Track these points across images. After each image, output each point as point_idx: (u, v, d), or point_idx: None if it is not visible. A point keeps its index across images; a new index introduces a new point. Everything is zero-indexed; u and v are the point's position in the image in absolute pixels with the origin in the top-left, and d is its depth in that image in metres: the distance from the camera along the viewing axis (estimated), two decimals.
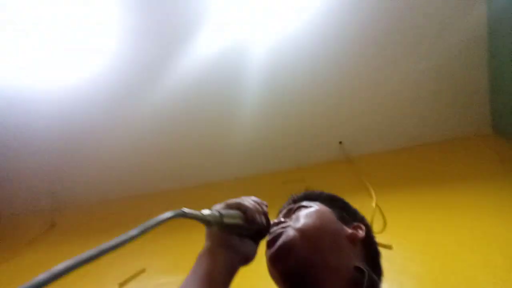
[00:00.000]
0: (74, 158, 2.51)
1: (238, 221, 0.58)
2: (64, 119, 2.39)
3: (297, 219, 0.71)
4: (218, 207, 0.60)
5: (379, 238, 1.51)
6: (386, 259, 1.35)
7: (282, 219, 0.74)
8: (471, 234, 1.42)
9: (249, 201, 0.63)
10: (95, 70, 2.25)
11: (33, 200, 2.57)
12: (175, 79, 2.25)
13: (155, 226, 0.41)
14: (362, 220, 0.81)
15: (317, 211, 0.73)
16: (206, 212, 0.54)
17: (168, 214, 0.44)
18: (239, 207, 0.60)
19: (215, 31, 2.12)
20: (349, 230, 0.73)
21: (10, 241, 2.23)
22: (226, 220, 0.56)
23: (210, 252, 0.58)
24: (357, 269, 0.66)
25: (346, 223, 0.75)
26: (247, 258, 0.63)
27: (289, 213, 0.77)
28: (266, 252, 0.71)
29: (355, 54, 2.13)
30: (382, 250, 1.43)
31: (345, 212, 0.78)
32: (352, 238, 0.71)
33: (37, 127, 2.41)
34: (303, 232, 0.67)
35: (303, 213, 0.73)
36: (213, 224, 0.55)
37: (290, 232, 0.67)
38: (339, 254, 0.68)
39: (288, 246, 0.65)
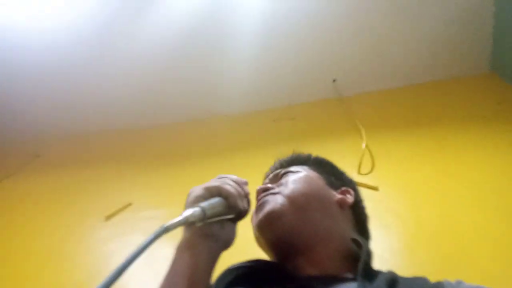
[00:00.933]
0: (60, 90, 2.42)
1: (219, 209, 0.55)
2: (51, 52, 2.27)
3: (285, 185, 0.68)
4: (197, 192, 0.56)
5: (366, 179, 1.52)
6: (372, 200, 1.36)
7: (269, 185, 0.71)
8: (459, 178, 1.41)
9: (229, 183, 0.58)
10: (81, 9, 2.10)
11: (17, 131, 2.51)
12: (167, 16, 2.12)
13: (141, 252, 0.41)
14: (350, 183, 0.79)
15: (305, 177, 0.71)
16: (188, 213, 0.50)
17: (150, 237, 0.42)
18: (220, 193, 0.56)
19: None
20: (338, 195, 0.71)
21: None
22: (208, 214, 0.52)
23: (190, 245, 0.55)
24: (354, 241, 0.64)
25: (335, 188, 0.73)
26: (228, 243, 0.59)
27: (275, 178, 0.75)
28: (252, 219, 0.69)
29: None
30: (368, 191, 1.44)
31: (333, 177, 0.76)
32: (341, 203, 0.70)
33: (24, 60, 2.28)
34: (291, 199, 0.65)
35: (291, 178, 0.70)
36: (197, 223, 0.51)
37: (278, 199, 0.65)
38: (329, 221, 0.66)
39: (276, 213, 0.63)
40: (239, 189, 0.59)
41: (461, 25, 2.03)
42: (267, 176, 0.81)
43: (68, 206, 1.79)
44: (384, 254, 1.13)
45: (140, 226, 1.55)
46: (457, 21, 2.02)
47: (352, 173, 1.52)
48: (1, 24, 2.17)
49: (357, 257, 0.59)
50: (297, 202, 0.64)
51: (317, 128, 2.00)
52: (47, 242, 1.57)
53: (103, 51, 2.27)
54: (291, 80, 2.28)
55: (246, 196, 0.61)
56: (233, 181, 0.60)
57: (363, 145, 1.69)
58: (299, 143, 1.86)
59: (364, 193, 1.48)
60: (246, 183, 0.63)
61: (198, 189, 0.56)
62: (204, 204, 0.53)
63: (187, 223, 0.49)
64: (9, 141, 2.52)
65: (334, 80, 2.24)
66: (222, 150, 1.98)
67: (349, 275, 0.57)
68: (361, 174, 1.55)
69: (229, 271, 0.59)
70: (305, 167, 0.75)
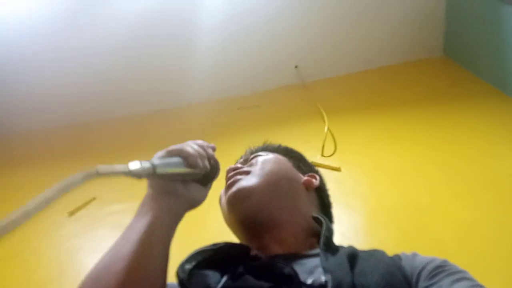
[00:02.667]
0: (14, 84, 2.28)
1: (178, 169, 0.54)
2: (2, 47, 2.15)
3: (255, 165, 0.71)
4: (159, 154, 0.56)
5: (329, 161, 1.56)
6: (335, 180, 1.40)
7: (239, 165, 0.73)
8: (416, 157, 1.49)
9: (192, 146, 0.58)
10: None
11: None
12: (129, 4, 2.06)
13: (63, 192, 0.36)
14: (316, 171, 0.83)
15: (274, 158, 0.74)
16: (134, 165, 0.46)
17: (78, 176, 0.38)
18: (180, 153, 0.56)
19: None
20: (305, 177, 0.75)
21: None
22: (160, 171, 0.51)
23: (151, 200, 0.55)
24: (315, 219, 0.67)
25: (302, 172, 0.77)
26: (192, 203, 0.60)
27: (245, 161, 0.77)
28: (220, 199, 0.71)
29: None
30: (331, 172, 1.49)
31: (301, 163, 0.80)
32: (308, 185, 0.73)
33: None
34: (260, 177, 0.67)
35: (260, 159, 0.73)
36: (144, 177, 0.49)
37: (247, 177, 0.67)
38: (295, 200, 0.69)
39: (246, 191, 0.65)
40: (201, 150, 0.58)
41: (415, 11, 2.11)
42: (237, 162, 0.83)
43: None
44: (347, 232, 1.18)
45: (105, 221, 1.51)
46: (412, 7, 2.10)
47: (316, 156, 1.57)
48: None
49: (320, 235, 0.61)
50: (266, 180, 0.67)
51: (282, 114, 2.03)
52: (8, 241, 1.50)
53: (58, 43, 2.17)
54: (254, 68, 2.29)
55: (210, 158, 0.61)
56: (198, 145, 0.60)
57: (326, 129, 1.74)
58: (264, 129, 1.89)
59: (327, 174, 1.52)
60: (211, 148, 0.63)
61: (160, 152, 0.57)
62: (157, 161, 0.52)
63: (130, 175, 0.46)
64: None
65: (296, 67, 2.27)
66: (187, 140, 1.95)
67: (312, 252, 0.60)
68: (324, 156, 1.59)
69: (195, 255, 0.59)
70: (275, 153, 0.78)
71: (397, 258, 0.57)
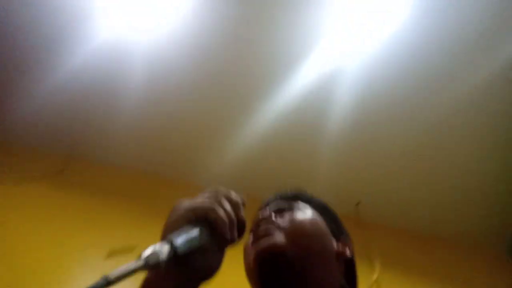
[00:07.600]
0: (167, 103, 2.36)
1: (200, 241, 0.45)
2: (156, 64, 2.23)
3: (291, 222, 0.66)
4: (181, 211, 0.47)
5: None
6: None
7: (273, 217, 0.67)
8: None
9: (224, 205, 0.48)
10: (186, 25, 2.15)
11: (48, 140, 2.52)
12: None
13: None
14: (347, 236, 0.78)
15: (312, 219, 0.70)
16: (152, 251, 0.39)
17: None
18: (207, 217, 0.46)
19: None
20: (338, 246, 0.71)
21: (21, 172, 2.21)
22: (181, 250, 0.42)
23: (160, 274, 0.46)
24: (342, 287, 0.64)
25: (335, 237, 0.72)
26: (208, 274, 0.49)
27: (280, 212, 0.71)
28: (247, 246, 0.67)
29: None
30: None
31: (335, 225, 0.75)
32: (340, 256, 0.69)
33: (130, 71, 2.24)
34: (295, 237, 0.63)
35: (298, 217, 0.68)
36: (165, 265, 0.40)
37: (282, 234, 0.63)
38: (325, 268, 0.66)
39: (278, 249, 0.61)
40: (233, 215, 0.49)
41: (494, 203, 2.07)
42: (267, 204, 0.78)
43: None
44: None
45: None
46: (494, 199, 2.06)
47: None
48: (109, 37, 2.20)
49: None
50: (300, 242, 0.63)
51: None
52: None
53: (207, 68, 2.22)
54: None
55: (240, 223, 0.51)
56: (229, 200, 0.50)
57: (374, 277, 1.66)
58: None
59: None
60: (243, 205, 0.53)
61: (182, 209, 0.48)
62: (179, 239, 0.42)
63: (148, 268, 0.38)
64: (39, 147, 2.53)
65: (357, 204, 2.24)
66: None
67: None
68: None
69: None
70: (309, 208, 0.74)
71: None
